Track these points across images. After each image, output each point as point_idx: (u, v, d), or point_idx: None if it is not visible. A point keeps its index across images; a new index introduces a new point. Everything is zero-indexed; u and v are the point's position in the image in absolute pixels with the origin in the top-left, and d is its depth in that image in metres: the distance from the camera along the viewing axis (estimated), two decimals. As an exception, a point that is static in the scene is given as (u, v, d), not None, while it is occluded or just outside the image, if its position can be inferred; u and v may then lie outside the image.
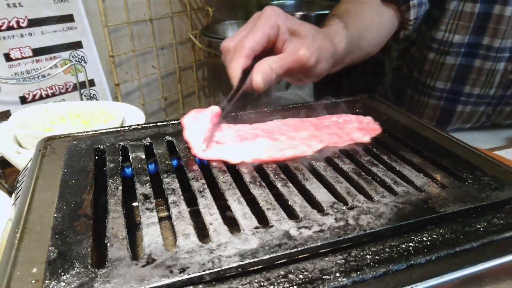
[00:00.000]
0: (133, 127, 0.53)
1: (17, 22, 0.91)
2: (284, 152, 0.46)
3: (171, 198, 0.38)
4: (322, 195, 0.39)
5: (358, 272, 0.30)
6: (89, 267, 0.29)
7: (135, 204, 0.42)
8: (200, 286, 0.29)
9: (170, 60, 1.27)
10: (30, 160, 0.47)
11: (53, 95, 0.97)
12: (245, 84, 0.55)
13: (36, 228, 0.34)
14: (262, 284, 0.29)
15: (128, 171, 0.45)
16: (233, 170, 0.43)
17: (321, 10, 1.20)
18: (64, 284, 0.28)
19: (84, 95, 1.00)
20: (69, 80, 0.99)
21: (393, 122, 0.55)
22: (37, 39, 0.94)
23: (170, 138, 0.50)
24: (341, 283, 0.29)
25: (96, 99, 1.04)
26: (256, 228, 0.33)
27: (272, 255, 0.30)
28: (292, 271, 0.30)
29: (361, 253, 0.32)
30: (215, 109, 0.50)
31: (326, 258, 0.31)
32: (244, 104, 0.58)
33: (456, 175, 0.42)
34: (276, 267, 0.30)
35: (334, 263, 0.31)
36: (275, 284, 0.29)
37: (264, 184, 0.40)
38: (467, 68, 0.86)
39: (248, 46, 0.55)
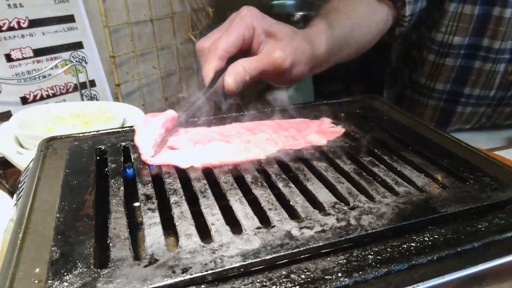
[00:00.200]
0: (134, 127, 0.53)
1: (18, 22, 0.91)
2: (236, 156, 0.44)
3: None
4: (323, 195, 0.39)
5: (360, 272, 0.30)
6: (92, 267, 0.29)
7: (136, 204, 0.42)
8: (202, 286, 0.29)
9: (171, 61, 1.28)
10: (31, 161, 0.47)
11: (54, 95, 0.97)
12: (218, 85, 0.53)
13: (39, 229, 0.34)
14: (264, 284, 0.29)
15: (130, 171, 0.45)
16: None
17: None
18: (67, 284, 0.28)
19: (85, 95, 1.00)
20: (69, 80, 1.00)
21: (394, 122, 0.55)
22: (38, 40, 0.94)
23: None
24: (343, 283, 0.29)
25: (97, 100, 1.04)
26: (258, 228, 0.34)
27: (274, 255, 0.30)
28: (294, 271, 0.30)
29: (363, 253, 0.32)
30: (170, 113, 0.50)
31: (328, 258, 0.31)
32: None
33: (457, 175, 0.42)
34: (278, 267, 0.30)
35: (336, 263, 0.31)
36: (277, 284, 0.29)
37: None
38: (467, 70, 0.86)
39: (222, 48, 0.54)
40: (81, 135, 0.51)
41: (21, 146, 0.71)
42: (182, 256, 0.30)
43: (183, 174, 0.42)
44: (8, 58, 0.90)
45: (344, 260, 0.31)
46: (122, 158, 0.45)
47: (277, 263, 0.31)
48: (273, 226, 0.34)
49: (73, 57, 1.00)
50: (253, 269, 0.30)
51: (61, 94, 0.99)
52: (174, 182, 0.41)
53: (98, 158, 0.46)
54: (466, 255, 0.32)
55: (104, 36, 1.07)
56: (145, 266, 0.29)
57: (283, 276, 0.30)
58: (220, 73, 0.54)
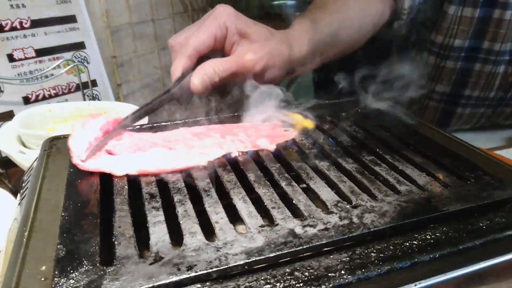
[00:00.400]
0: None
1: (20, 23, 0.91)
2: (176, 163, 0.43)
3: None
4: (325, 194, 0.39)
5: (363, 270, 0.30)
6: (98, 264, 0.30)
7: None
8: (207, 283, 0.29)
9: (172, 61, 1.28)
10: (35, 160, 0.47)
11: (56, 95, 0.98)
12: (185, 85, 0.52)
13: (44, 227, 0.35)
14: (268, 281, 0.29)
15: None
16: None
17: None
18: (73, 281, 0.28)
19: (87, 95, 1.00)
20: (71, 80, 1.00)
21: (394, 123, 0.56)
22: (40, 40, 0.95)
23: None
24: (346, 280, 0.29)
25: (99, 99, 1.05)
26: (262, 226, 0.34)
27: (278, 253, 0.31)
28: (297, 268, 0.30)
29: (366, 251, 0.32)
30: (111, 116, 0.48)
31: (331, 256, 0.32)
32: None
33: (458, 174, 0.43)
34: (282, 265, 0.31)
35: (339, 260, 0.31)
36: (281, 281, 0.29)
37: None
38: (467, 72, 0.86)
39: (192, 46, 0.53)
40: (84, 134, 0.51)
41: (24, 145, 0.71)
42: (186, 254, 0.31)
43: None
44: (11, 58, 0.90)
45: (347, 258, 0.31)
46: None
47: (280, 261, 0.31)
48: (277, 224, 0.34)
49: (75, 57, 1.00)
50: (257, 266, 0.30)
51: (63, 94, 0.99)
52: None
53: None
54: (467, 253, 0.33)
55: (105, 37, 1.08)
56: (151, 264, 0.30)
57: (287, 274, 0.30)
58: (188, 72, 0.53)
